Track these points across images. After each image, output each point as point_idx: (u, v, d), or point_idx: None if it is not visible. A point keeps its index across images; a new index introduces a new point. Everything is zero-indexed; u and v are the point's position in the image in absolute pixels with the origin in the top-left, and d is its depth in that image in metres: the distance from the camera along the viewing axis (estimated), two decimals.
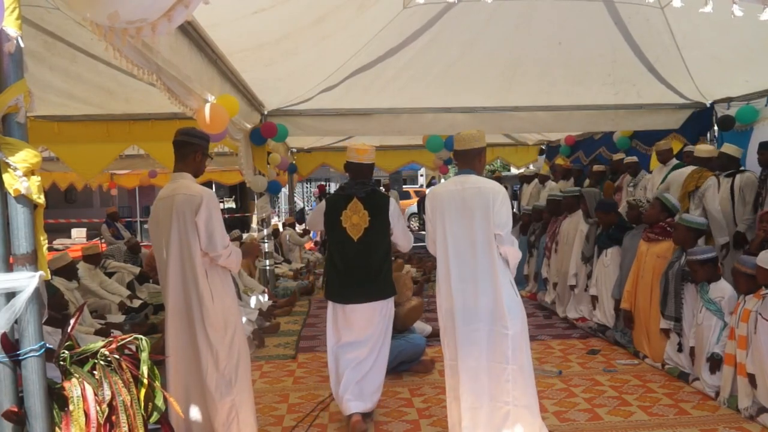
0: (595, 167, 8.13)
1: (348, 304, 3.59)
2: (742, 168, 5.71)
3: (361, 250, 3.55)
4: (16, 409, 1.72)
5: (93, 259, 6.89)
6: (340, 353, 3.67)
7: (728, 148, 5.70)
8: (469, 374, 3.12)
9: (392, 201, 3.65)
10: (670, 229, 4.70)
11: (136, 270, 8.15)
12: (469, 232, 3.14)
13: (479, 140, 3.29)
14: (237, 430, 3.09)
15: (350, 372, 3.61)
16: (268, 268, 7.83)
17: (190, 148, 3.18)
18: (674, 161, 6.63)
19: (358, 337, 3.61)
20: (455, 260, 3.17)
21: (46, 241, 1.80)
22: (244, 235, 9.90)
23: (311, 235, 12.00)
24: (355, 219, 3.52)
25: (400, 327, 4.41)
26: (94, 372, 1.87)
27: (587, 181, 8.40)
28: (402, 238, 3.70)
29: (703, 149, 6.01)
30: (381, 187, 12.93)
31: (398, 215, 3.65)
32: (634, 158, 7.27)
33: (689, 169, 5.96)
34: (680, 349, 4.44)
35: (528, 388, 3.13)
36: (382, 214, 3.57)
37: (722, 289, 4.10)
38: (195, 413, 3.08)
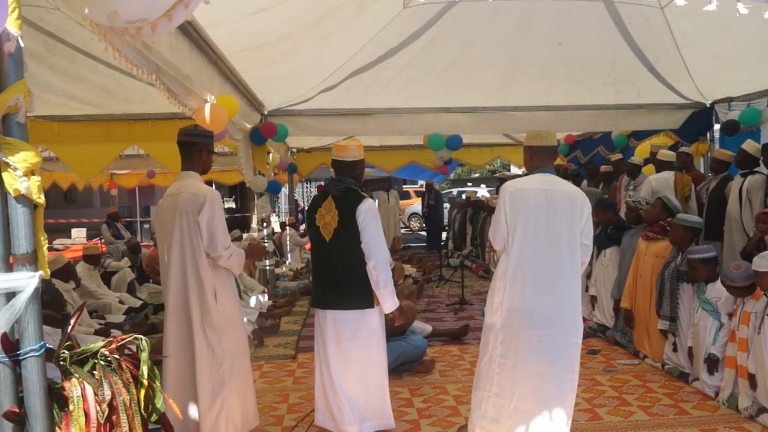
0: (603, 167, 8.11)
1: (317, 308, 3.40)
2: (756, 169, 5.56)
3: (330, 251, 3.26)
4: (17, 410, 1.72)
5: (93, 259, 6.90)
6: (325, 366, 3.38)
7: (749, 146, 5.61)
8: (533, 378, 2.98)
9: (367, 202, 3.21)
10: (669, 229, 4.70)
11: (127, 263, 8.18)
12: (554, 235, 2.99)
13: (555, 139, 3.23)
14: (225, 430, 3.08)
15: (343, 390, 3.31)
16: (268, 268, 7.84)
17: (195, 148, 3.17)
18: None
19: (339, 357, 3.30)
20: (534, 261, 2.99)
21: (46, 241, 1.80)
22: (244, 235, 9.91)
23: None
24: (328, 218, 3.26)
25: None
26: (94, 372, 1.87)
27: (584, 182, 8.41)
28: (372, 246, 3.16)
29: (666, 154, 6.41)
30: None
31: (371, 219, 3.19)
32: (639, 160, 7.25)
33: (668, 174, 6.23)
34: (675, 349, 4.44)
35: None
36: (351, 215, 3.20)
37: (719, 290, 4.09)
38: (192, 412, 3.08)
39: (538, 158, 3.15)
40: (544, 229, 2.99)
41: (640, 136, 7.94)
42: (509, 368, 3.05)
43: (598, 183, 7.88)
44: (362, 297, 3.23)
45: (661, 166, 6.42)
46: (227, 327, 3.10)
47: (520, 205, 3.03)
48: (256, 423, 3.33)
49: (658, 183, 6.19)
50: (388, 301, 3.21)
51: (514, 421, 3.05)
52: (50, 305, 4.57)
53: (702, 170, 7.26)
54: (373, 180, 12.91)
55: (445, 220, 14.43)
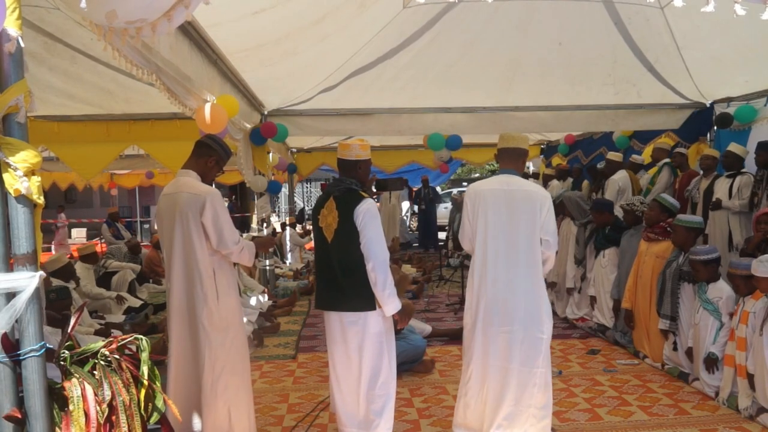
0: (599, 166, 8.07)
1: (321, 309, 3.38)
2: (743, 170, 5.79)
3: (332, 252, 3.21)
4: (19, 414, 1.72)
5: (90, 258, 6.90)
6: (331, 365, 3.36)
7: (736, 148, 5.84)
8: (496, 374, 3.13)
9: (366, 203, 3.13)
10: (670, 230, 4.70)
11: (137, 268, 8.16)
12: (513, 233, 3.13)
13: (526, 142, 3.31)
14: (229, 430, 3.08)
15: (342, 392, 3.29)
16: (268, 268, 7.84)
17: (207, 151, 3.17)
18: (665, 159, 7.08)
19: (340, 358, 3.26)
20: (495, 260, 3.15)
21: (41, 240, 1.80)
22: (244, 235, 9.90)
23: (312, 235, 12.01)
24: (330, 219, 3.21)
25: None
26: (94, 372, 1.87)
27: (585, 182, 8.40)
28: (371, 247, 3.08)
29: (615, 155, 7.21)
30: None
31: (370, 219, 3.11)
32: (640, 158, 7.27)
33: (624, 173, 6.91)
34: (675, 348, 4.44)
35: (549, 391, 3.18)
36: (350, 216, 3.13)
37: (720, 290, 4.10)
38: (195, 411, 3.08)
39: (505, 160, 3.30)
40: (504, 229, 3.15)
41: (642, 137, 7.93)
42: (476, 367, 3.19)
43: (600, 183, 7.86)
44: (362, 299, 3.16)
45: (612, 167, 7.05)
46: (230, 327, 3.11)
47: (481, 206, 3.20)
48: (254, 430, 3.32)
49: (623, 182, 6.78)
50: (389, 304, 3.13)
51: (489, 421, 3.14)
52: (52, 305, 4.59)
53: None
54: (391, 180, 12.92)
55: (445, 220, 14.45)
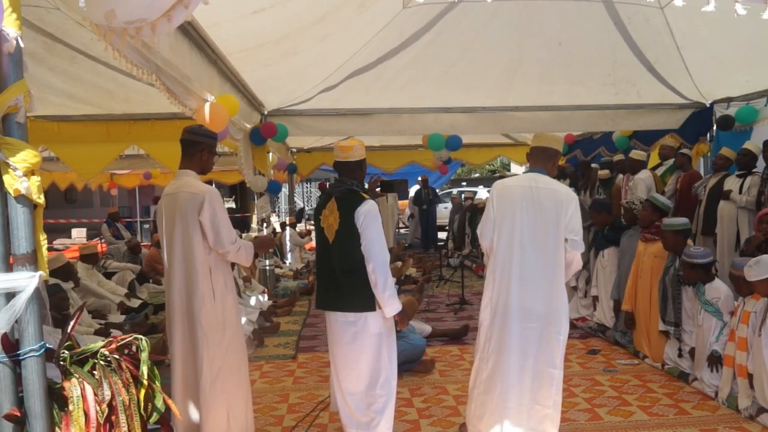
0: (601, 173, 8.01)
1: (322, 309, 3.38)
2: (755, 169, 5.76)
3: (333, 252, 3.22)
4: (18, 413, 1.72)
5: (90, 258, 6.89)
6: (333, 365, 3.36)
7: (753, 146, 5.80)
8: (513, 372, 3.10)
9: (367, 204, 3.13)
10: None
11: (137, 268, 8.16)
12: (538, 231, 3.09)
13: (559, 143, 3.28)
14: (227, 429, 3.09)
15: (343, 392, 3.28)
16: (268, 268, 7.84)
17: (197, 147, 3.17)
18: (671, 161, 7.06)
19: (341, 358, 3.26)
20: (520, 257, 3.10)
21: (46, 241, 1.80)
22: (243, 235, 9.90)
23: (312, 235, 12.02)
24: (331, 219, 3.22)
25: None
26: (94, 372, 1.87)
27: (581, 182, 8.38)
28: (371, 249, 3.08)
29: (638, 154, 7.05)
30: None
31: (371, 221, 3.11)
32: (642, 155, 7.25)
33: (648, 172, 6.74)
34: (680, 354, 4.44)
35: (561, 391, 3.18)
36: (351, 217, 3.13)
37: (717, 289, 4.10)
38: (196, 412, 3.08)
39: (535, 159, 3.27)
40: (529, 226, 3.11)
41: (642, 137, 7.91)
42: (492, 364, 3.16)
43: (594, 183, 7.84)
44: (363, 299, 3.16)
45: (635, 165, 6.86)
46: (226, 326, 3.11)
47: (507, 203, 3.16)
48: (252, 430, 3.33)
49: (649, 180, 6.63)
50: (389, 305, 3.13)
51: (496, 417, 3.13)
52: (51, 304, 4.58)
53: (702, 170, 7.28)
54: (397, 181, 12.90)
55: (445, 220, 14.48)
